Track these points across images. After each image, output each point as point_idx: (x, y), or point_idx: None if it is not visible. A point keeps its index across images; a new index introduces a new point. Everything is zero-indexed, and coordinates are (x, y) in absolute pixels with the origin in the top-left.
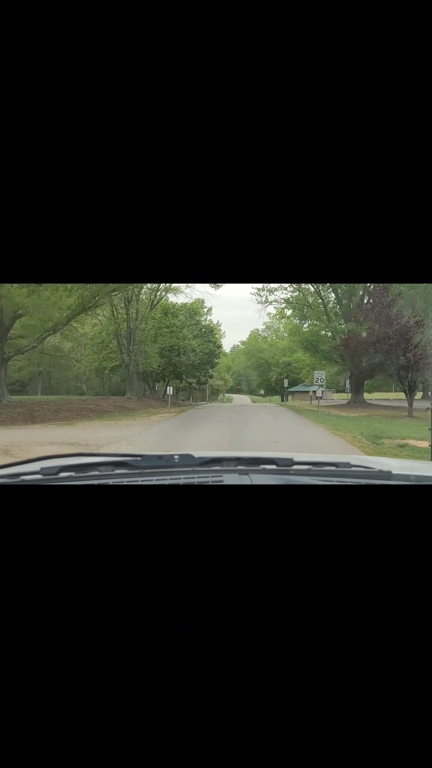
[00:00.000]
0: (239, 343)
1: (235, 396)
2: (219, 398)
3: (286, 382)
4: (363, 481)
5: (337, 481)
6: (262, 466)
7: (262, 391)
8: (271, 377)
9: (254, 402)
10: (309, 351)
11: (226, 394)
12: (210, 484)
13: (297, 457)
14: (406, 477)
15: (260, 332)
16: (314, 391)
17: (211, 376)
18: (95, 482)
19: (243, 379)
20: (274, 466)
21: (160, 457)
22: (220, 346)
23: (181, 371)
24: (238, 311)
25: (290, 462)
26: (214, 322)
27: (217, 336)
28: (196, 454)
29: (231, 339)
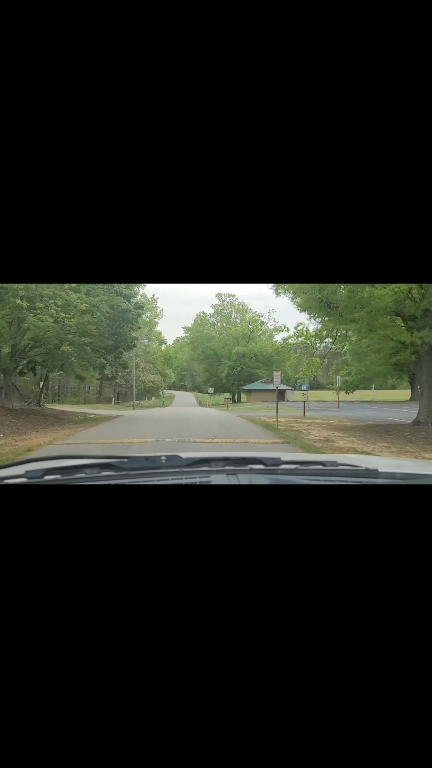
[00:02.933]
0: (182, 330)
1: (177, 393)
2: (153, 399)
3: (278, 378)
4: (350, 480)
5: (324, 481)
6: (250, 466)
7: (211, 389)
8: (222, 372)
9: (202, 404)
10: (328, 314)
11: (166, 392)
12: (198, 484)
13: (285, 457)
14: (393, 475)
15: (208, 317)
16: (281, 390)
17: (125, 366)
18: (81, 484)
19: (187, 374)
20: (261, 466)
21: (147, 458)
22: (141, 307)
23: (52, 353)
24: (191, 307)
25: (278, 461)
26: (148, 296)
27: (136, 291)
28: (184, 454)
29: (178, 332)
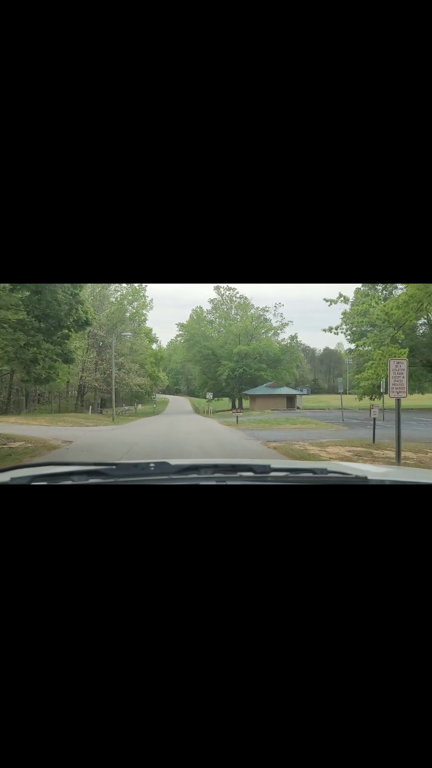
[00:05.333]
0: (176, 328)
1: (171, 398)
2: (140, 406)
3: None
4: (339, 485)
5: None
6: (240, 474)
7: (209, 394)
8: (221, 374)
9: (198, 410)
10: None
11: (159, 396)
12: (187, 484)
13: (274, 464)
14: (382, 482)
15: (205, 313)
16: (289, 396)
17: (67, 359)
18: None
19: (182, 377)
20: (251, 473)
21: (135, 465)
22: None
23: None
24: (185, 311)
25: (268, 469)
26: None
27: None
28: (173, 461)
29: (170, 336)
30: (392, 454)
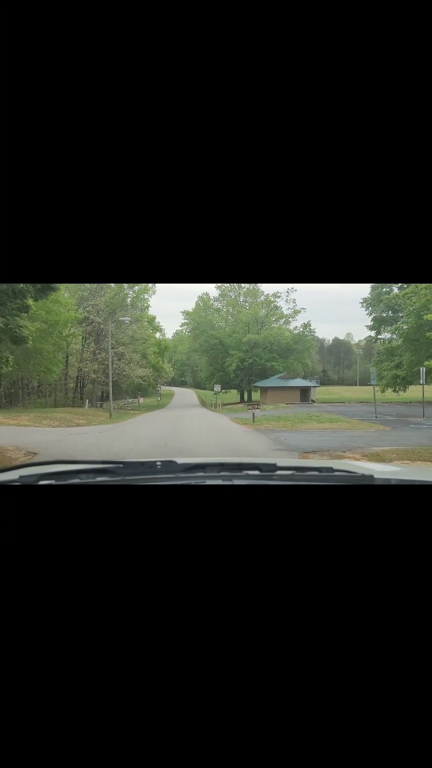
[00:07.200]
0: (182, 317)
1: (177, 390)
2: (142, 400)
3: None
4: (345, 485)
5: (319, 484)
6: (246, 472)
7: (218, 387)
8: (229, 365)
9: (205, 404)
10: None
11: (164, 388)
12: (193, 484)
13: (280, 463)
14: (388, 481)
15: (212, 301)
16: (303, 388)
17: (17, 339)
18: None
19: (188, 369)
20: (257, 472)
21: (142, 463)
22: None
23: None
24: (188, 303)
25: (274, 467)
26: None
27: None
28: (179, 460)
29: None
30: None
